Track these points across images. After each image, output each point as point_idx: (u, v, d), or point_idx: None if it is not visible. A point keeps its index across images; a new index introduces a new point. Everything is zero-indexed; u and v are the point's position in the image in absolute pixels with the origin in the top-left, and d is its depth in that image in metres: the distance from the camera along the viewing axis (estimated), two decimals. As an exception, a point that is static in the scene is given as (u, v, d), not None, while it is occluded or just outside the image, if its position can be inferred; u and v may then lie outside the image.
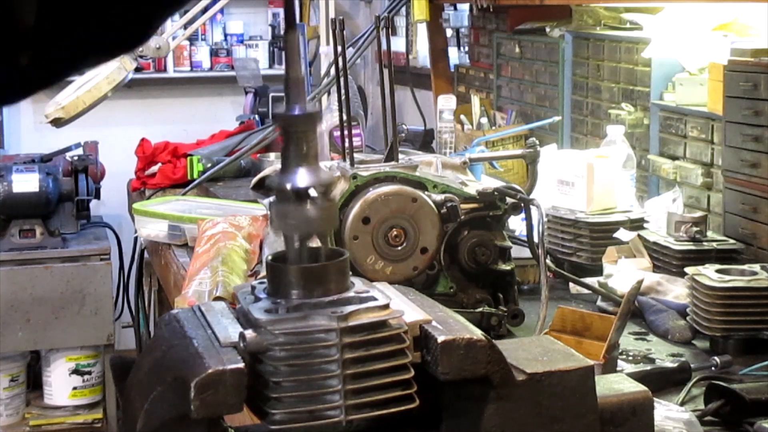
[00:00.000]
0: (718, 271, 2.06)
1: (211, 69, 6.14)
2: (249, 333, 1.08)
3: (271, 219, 1.15)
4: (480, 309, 2.10)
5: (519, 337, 1.97)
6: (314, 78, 5.07)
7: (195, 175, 3.97)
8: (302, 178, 1.09)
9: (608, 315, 1.88)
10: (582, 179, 2.60)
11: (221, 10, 5.68)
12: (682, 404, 1.73)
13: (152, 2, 0.80)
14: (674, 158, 2.90)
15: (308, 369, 1.08)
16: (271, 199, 1.14)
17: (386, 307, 1.13)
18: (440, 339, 1.12)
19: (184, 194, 3.66)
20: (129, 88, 5.41)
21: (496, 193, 2.11)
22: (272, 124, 4.32)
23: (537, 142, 2.31)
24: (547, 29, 3.75)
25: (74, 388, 4.73)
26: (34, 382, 4.86)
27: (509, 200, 2.12)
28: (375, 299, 1.13)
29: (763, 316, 2.00)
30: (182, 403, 1.06)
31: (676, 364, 1.89)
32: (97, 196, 4.73)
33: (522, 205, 2.14)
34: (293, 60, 1.11)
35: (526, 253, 2.28)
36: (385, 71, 2.19)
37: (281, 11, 5.61)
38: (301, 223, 1.10)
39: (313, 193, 1.09)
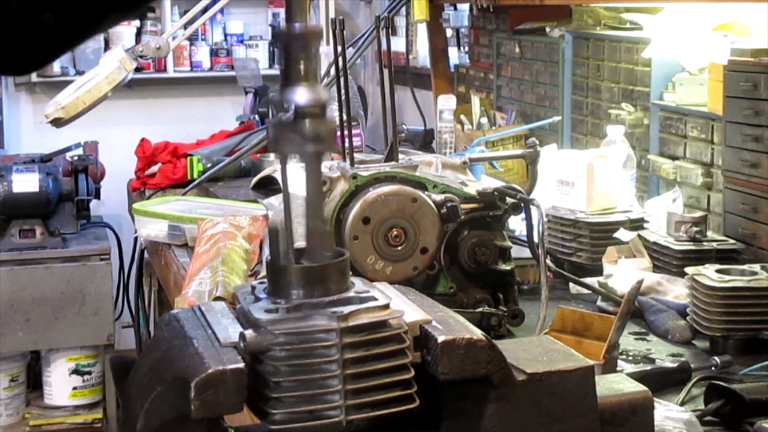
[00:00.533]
0: (718, 271, 2.06)
1: (211, 69, 6.14)
2: (249, 333, 1.08)
3: (269, 141, 1.13)
4: (480, 309, 2.10)
5: (519, 337, 1.97)
6: (314, 78, 5.06)
7: (195, 175, 3.97)
8: (301, 96, 1.09)
9: (608, 315, 1.88)
10: (582, 179, 2.60)
11: (221, 10, 5.68)
12: (682, 404, 1.73)
13: None
14: (674, 158, 2.90)
15: (308, 369, 1.08)
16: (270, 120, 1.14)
17: (386, 307, 1.13)
18: (440, 339, 1.12)
19: (184, 194, 3.66)
20: (129, 88, 5.42)
21: (496, 193, 2.11)
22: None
23: (537, 142, 2.31)
24: (547, 29, 3.75)
25: (74, 388, 4.73)
26: (34, 382, 4.86)
27: (509, 200, 2.12)
28: (375, 299, 1.13)
29: (763, 316, 2.00)
30: (182, 403, 1.06)
31: (676, 364, 1.89)
32: (97, 196, 4.73)
33: (522, 205, 2.14)
34: None
35: (526, 253, 2.28)
36: (385, 71, 2.19)
37: (281, 11, 5.61)
38: (299, 140, 1.10)
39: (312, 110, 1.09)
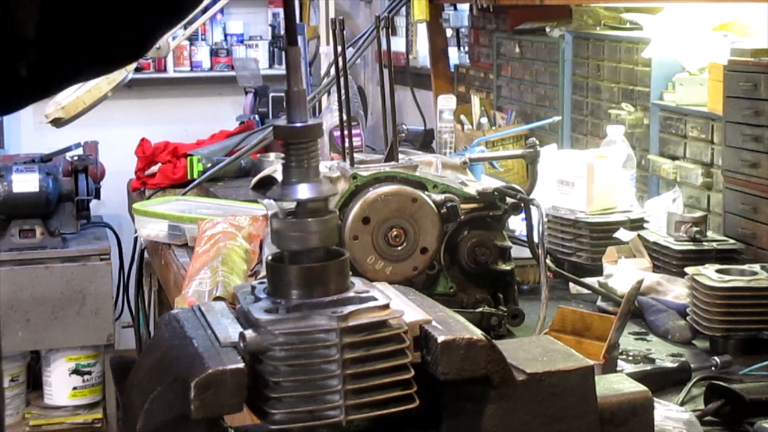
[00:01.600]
0: (718, 271, 2.06)
1: (211, 69, 6.15)
2: (249, 333, 1.08)
3: (271, 234, 1.17)
4: (480, 309, 2.10)
5: (519, 337, 1.97)
6: (314, 78, 5.08)
7: (195, 175, 3.97)
8: (303, 192, 1.12)
9: (608, 315, 1.88)
10: (582, 179, 2.60)
11: (221, 10, 5.68)
12: (682, 404, 1.73)
13: (150, 17, 0.81)
14: (674, 158, 2.90)
15: (308, 369, 1.08)
16: (271, 213, 1.17)
17: (386, 307, 1.13)
18: (440, 339, 1.12)
19: (184, 194, 3.66)
20: (129, 88, 5.42)
21: (496, 193, 2.11)
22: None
23: (537, 142, 2.31)
24: (547, 29, 3.75)
25: (74, 388, 4.73)
26: (34, 382, 4.87)
27: (509, 200, 2.12)
28: (375, 299, 1.14)
29: (763, 316, 2.00)
30: (182, 403, 1.06)
31: (676, 364, 1.89)
32: (97, 196, 4.73)
33: (522, 205, 2.14)
34: (295, 74, 1.13)
35: (526, 253, 2.28)
36: (385, 71, 2.19)
37: (281, 11, 5.61)
38: (301, 238, 1.12)
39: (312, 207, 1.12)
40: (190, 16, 3.56)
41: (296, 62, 1.14)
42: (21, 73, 0.76)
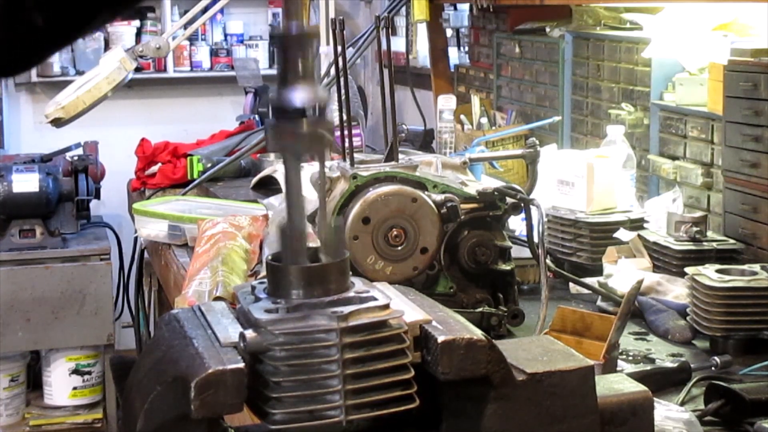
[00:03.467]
0: (718, 271, 2.06)
1: (211, 69, 6.14)
2: (249, 333, 1.08)
3: (267, 140, 1.14)
4: (480, 309, 2.10)
5: (519, 337, 1.97)
6: (314, 78, 5.06)
7: (195, 175, 3.97)
8: (299, 96, 1.09)
9: (608, 315, 1.88)
10: (582, 179, 2.60)
11: (221, 10, 5.68)
12: (682, 404, 1.73)
13: None
14: (674, 158, 2.90)
15: (308, 369, 1.08)
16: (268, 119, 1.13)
17: (386, 307, 1.13)
18: (440, 339, 1.12)
19: (184, 194, 3.66)
20: (129, 88, 5.42)
21: (496, 193, 2.11)
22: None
23: (537, 142, 2.31)
24: (547, 29, 3.75)
25: (74, 388, 4.73)
26: (34, 382, 4.86)
27: (509, 200, 2.12)
28: (375, 299, 1.14)
29: (763, 316, 2.00)
30: (182, 403, 1.06)
31: (676, 364, 1.89)
32: (97, 196, 4.73)
33: (522, 205, 2.14)
34: None
35: (526, 253, 2.28)
36: (385, 71, 2.19)
37: (281, 11, 5.61)
38: (295, 141, 1.10)
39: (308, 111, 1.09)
40: (191, 15, 3.56)
41: None
42: (37, 23, 0.76)
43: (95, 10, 0.81)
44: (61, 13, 0.78)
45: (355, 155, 2.14)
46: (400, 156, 2.15)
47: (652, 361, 1.97)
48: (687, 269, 2.10)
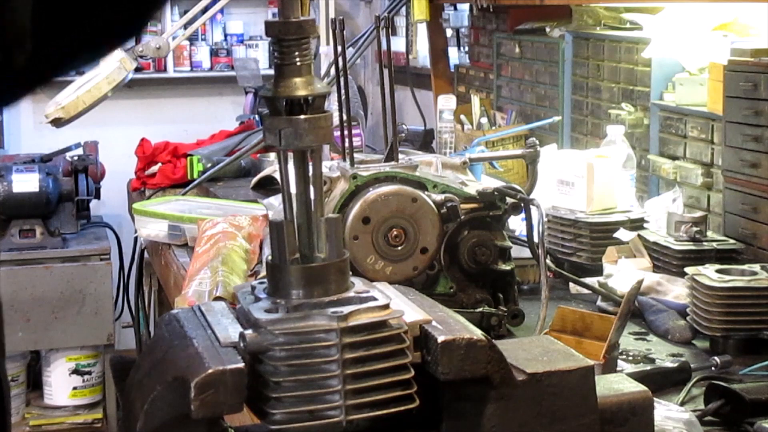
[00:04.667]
0: (718, 271, 2.06)
1: (211, 69, 6.14)
2: (249, 333, 1.08)
3: (264, 133, 1.14)
4: (480, 309, 2.10)
5: (519, 337, 1.97)
6: (314, 78, 5.06)
7: (195, 175, 3.97)
8: (296, 89, 1.09)
9: (608, 315, 1.88)
10: (582, 179, 2.60)
11: (221, 10, 5.67)
12: (682, 404, 1.73)
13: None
14: (674, 158, 2.90)
15: (308, 369, 1.08)
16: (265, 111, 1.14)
17: (386, 307, 1.13)
18: (440, 339, 1.12)
19: (184, 194, 3.66)
20: (129, 88, 5.41)
21: (496, 193, 2.11)
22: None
23: (537, 142, 2.31)
24: (547, 29, 3.75)
25: (74, 388, 4.73)
26: (34, 382, 4.86)
27: (509, 200, 2.12)
28: (375, 299, 1.14)
29: (763, 316, 2.00)
30: (182, 403, 1.06)
31: (676, 364, 1.89)
32: (97, 196, 4.73)
33: (522, 205, 2.13)
34: None
35: (526, 253, 2.28)
36: (385, 71, 2.19)
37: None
38: (292, 135, 1.10)
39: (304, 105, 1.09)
40: (191, 15, 3.56)
41: None
42: (19, 63, 0.76)
43: (77, 51, 0.81)
44: (43, 54, 0.77)
45: (355, 155, 2.14)
46: (400, 156, 2.15)
47: (652, 361, 1.97)
48: (687, 269, 2.10)
